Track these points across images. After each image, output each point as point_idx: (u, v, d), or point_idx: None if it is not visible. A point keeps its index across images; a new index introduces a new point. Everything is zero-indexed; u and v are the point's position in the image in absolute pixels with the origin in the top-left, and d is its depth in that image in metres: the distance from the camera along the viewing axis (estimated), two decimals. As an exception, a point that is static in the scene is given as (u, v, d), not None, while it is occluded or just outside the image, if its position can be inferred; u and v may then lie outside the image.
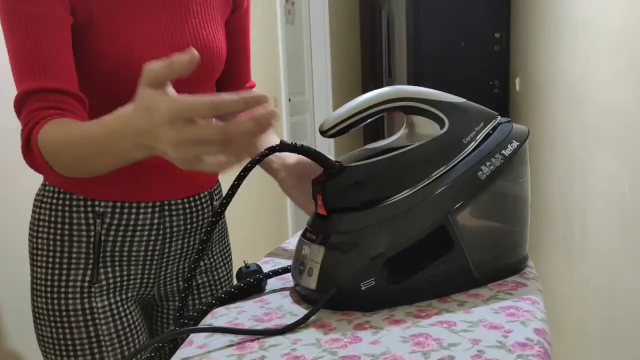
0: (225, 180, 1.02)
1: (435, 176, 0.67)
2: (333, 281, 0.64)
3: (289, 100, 2.74)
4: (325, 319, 0.64)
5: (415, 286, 0.65)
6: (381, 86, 4.52)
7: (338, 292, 0.64)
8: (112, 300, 0.85)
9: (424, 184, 0.66)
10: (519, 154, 0.71)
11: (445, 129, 0.69)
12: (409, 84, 3.71)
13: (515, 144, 0.70)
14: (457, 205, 0.66)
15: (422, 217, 0.65)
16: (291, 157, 0.83)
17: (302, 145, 0.67)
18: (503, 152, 0.69)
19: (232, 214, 0.86)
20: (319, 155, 0.67)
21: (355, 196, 0.66)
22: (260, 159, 0.67)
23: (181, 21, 0.80)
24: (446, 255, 0.66)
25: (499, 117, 0.73)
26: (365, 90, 4.29)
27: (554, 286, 2.08)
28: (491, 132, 0.71)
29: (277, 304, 0.69)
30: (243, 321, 0.66)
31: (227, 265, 0.99)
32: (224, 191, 0.99)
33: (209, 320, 0.67)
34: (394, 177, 0.67)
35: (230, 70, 0.92)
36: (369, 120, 0.69)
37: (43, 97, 0.71)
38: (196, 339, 0.63)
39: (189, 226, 0.90)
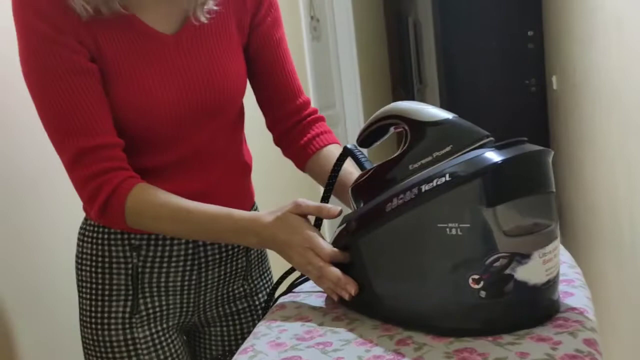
0: (262, 202, 1.02)
1: (367, 202, 0.68)
2: None
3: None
4: (367, 335, 0.64)
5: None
6: (412, 94, 4.47)
7: None
8: (154, 330, 0.85)
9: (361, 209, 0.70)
10: (453, 193, 0.58)
11: (399, 152, 0.66)
12: (440, 89, 3.67)
13: (443, 179, 0.58)
14: (355, 233, 0.67)
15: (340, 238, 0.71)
16: None
17: (358, 151, 0.77)
18: (423, 186, 0.60)
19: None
20: (360, 161, 0.76)
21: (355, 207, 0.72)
22: (339, 165, 0.79)
23: (194, 57, 0.81)
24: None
25: (489, 138, 0.62)
26: (396, 99, 4.27)
27: (606, 286, 2.01)
28: (448, 158, 0.61)
29: (318, 321, 0.69)
30: (285, 340, 0.66)
31: (268, 290, 0.98)
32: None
33: (251, 340, 0.68)
34: (361, 195, 0.71)
35: (274, 88, 0.90)
36: (384, 135, 0.72)
37: (102, 156, 0.76)
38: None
39: (224, 254, 0.89)
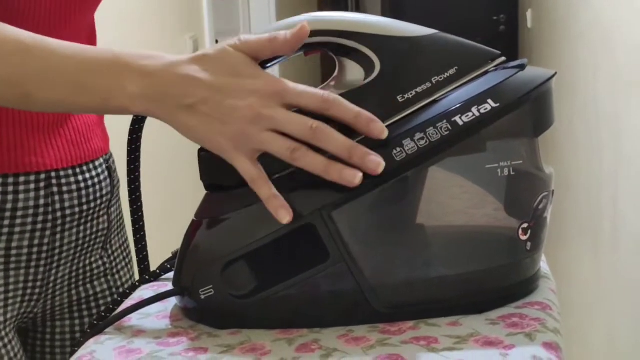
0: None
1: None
2: (177, 281, 0.68)
3: (216, 42, 2.68)
4: (257, 339, 0.63)
5: (278, 306, 0.63)
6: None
7: (181, 296, 0.67)
8: None
9: None
10: (500, 124, 0.61)
11: (369, 79, 0.63)
12: (383, 16, 3.70)
13: (487, 106, 0.60)
14: (337, 198, 0.60)
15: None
16: None
17: None
18: (457, 118, 0.60)
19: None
20: None
21: (227, 170, 0.64)
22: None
23: None
24: (317, 268, 0.61)
25: (502, 58, 0.67)
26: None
27: (577, 282, 2.11)
28: (468, 83, 0.63)
29: (190, 323, 0.68)
30: (140, 345, 0.64)
31: (129, 266, 0.98)
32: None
33: (91, 346, 0.65)
34: None
35: None
36: (272, 63, 0.67)
37: None
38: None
39: (85, 207, 0.87)
